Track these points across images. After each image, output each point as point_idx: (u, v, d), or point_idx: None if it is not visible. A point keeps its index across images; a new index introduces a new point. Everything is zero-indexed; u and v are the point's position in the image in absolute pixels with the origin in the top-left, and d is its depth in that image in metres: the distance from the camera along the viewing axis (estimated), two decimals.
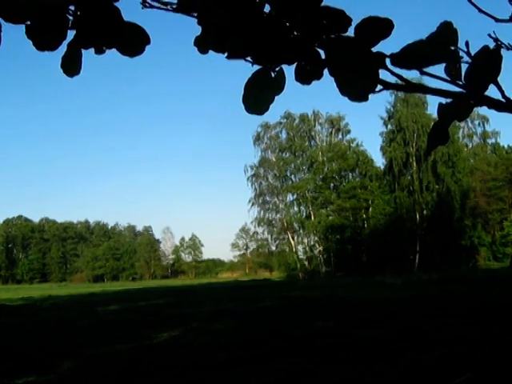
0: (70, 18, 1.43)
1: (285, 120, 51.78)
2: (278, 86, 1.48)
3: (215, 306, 17.28)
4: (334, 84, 1.45)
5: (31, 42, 1.45)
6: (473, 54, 1.41)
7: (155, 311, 16.06)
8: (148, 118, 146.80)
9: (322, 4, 1.36)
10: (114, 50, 1.48)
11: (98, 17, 1.42)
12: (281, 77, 1.48)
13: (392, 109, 45.77)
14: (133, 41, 1.49)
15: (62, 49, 1.50)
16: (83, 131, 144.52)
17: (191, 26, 1.45)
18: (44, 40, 1.44)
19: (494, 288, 18.93)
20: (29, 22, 1.42)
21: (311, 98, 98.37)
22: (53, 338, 10.43)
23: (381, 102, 45.35)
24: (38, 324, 13.47)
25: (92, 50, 1.50)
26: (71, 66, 1.55)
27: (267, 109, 1.51)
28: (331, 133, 52.42)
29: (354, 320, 11.29)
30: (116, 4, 1.43)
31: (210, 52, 1.47)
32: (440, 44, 1.41)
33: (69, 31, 1.46)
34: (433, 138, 1.55)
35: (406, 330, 9.44)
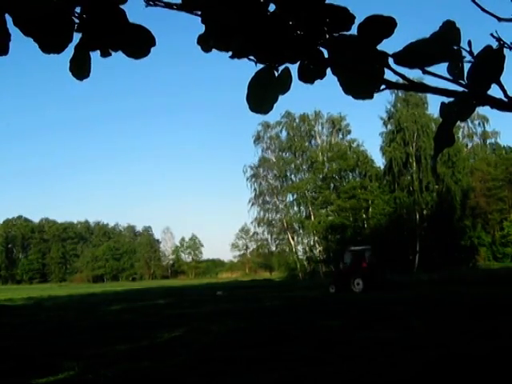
0: (76, 20, 1.42)
1: (285, 119, 51.76)
2: (283, 85, 1.47)
3: (215, 306, 17.28)
4: (336, 83, 1.44)
5: (37, 45, 1.44)
6: (475, 54, 1.41)
7: (155, 311, 16.06)
8: (149, 119, 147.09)
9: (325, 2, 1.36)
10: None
11: (104, 19, 1.42)
12: (286, 76, 1.47)
13: (392, 109, 45.74)
14: (138, 43, 1.48)
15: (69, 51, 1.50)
16: (84, 132, 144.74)
17: (194, 25, 1.45)
18: (50, 43, 1.43)
19: (494, 288, 18.92)
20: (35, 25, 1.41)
21: (311, 98, 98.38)
22: (53, 338, 10.44)
23: (381, 101, 45.29)
24: (39, 324, 13.46)
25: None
26: (80, 68, 1.54)
27: (271, 108, 1.50)
28: (331, 133, 52.42)
29: (355, 320, 11.29)
30: (122, 6, 1.42)
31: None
32: (442, 43, 1.41)
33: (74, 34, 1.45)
34: (439, 141, 1.52)
35: (406, 329, 9.44)
